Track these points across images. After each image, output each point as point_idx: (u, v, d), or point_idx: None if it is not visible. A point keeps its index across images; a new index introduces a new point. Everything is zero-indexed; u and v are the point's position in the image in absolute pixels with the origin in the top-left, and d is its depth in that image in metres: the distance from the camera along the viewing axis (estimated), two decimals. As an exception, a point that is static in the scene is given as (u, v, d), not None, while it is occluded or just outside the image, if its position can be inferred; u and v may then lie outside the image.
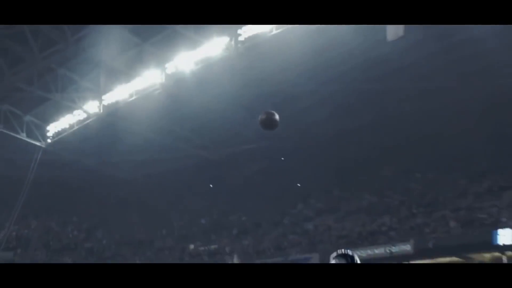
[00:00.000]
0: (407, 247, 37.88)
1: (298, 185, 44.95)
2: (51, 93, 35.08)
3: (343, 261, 6.33)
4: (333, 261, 6.40)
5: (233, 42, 29.41)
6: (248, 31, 28.72)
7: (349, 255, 6.46)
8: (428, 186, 42.30)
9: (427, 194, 42.41)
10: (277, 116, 7.20)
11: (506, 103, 37.04)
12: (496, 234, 36.78)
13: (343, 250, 6.65)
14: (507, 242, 36.49)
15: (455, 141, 40.79)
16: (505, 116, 38.05)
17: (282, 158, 43.90)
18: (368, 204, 44.65)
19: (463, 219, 39.33)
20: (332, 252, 6.78)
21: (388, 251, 38.32)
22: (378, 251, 38.76)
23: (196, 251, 50.01)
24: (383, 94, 37.83)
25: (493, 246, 37.00)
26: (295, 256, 40.81)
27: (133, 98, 33.90)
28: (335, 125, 40.81)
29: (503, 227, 37.01)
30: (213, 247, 49.34)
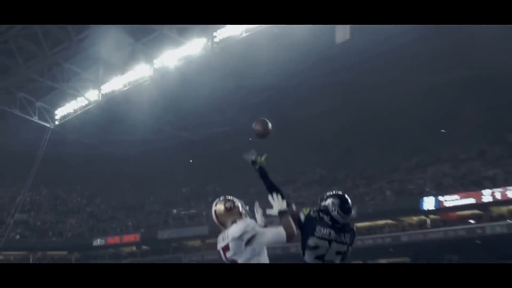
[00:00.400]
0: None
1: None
2: (59, 83, 35.17)
3: (337, 200, 5.63)
4: (329, 200, 5.72)
5: (209, 43, 29.58)
6: (222, 33, 28.89)
7: (342, 195, 5.84)
8: (369, 162, 42.96)
9: (368, 169, 43.05)
10: (270, 125, 5.98)
11: (431, 97, 37.92)
12: (422, 201, 37.54)
13: (335, 191, 6.05)
14: (430, 208, 37.31)
15: (391, 125, 41.53)
16: (430, 107, 38.85)
17: (250, 139, 44.10)
18: (320, 177, 45.25)
19: (396, 189, 40.03)
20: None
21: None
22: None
23: (178, 215, 50.20)
24: (333, 87, 38.40)
25: (419, 211, 37.76)
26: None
27: (127, 88, 33.95)
28: (296, 112, 41.27)
29: (427, 195, 37.75)
30: (192, 211, 49.53)
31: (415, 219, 39.16)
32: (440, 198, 36.99)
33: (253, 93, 37.72)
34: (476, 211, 36.79)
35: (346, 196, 5.84)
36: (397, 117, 39.93)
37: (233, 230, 4.86)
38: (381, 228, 39.48)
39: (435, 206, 37.13)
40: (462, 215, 37.30)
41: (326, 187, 40.05)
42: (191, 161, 52.00)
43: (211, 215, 5.14)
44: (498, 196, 35.26)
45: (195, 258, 45.72)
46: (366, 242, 36.89)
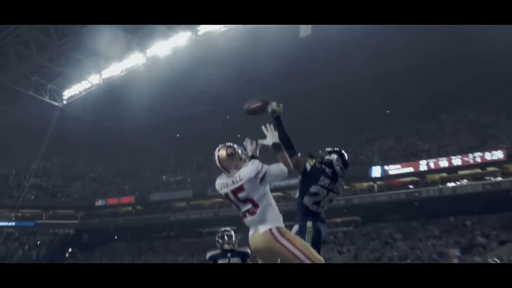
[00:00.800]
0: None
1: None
2: (66, 68, 34.90)
3: (335, 156, 5.56)
4: (333, 155, 5.59)
5: (194, 36, 29.15)
6: (204, 28, 28.49)
7: (343, 152, 5.73)
8: (327, 138, 42.98)
9: (326, 143, 43.05)
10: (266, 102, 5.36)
11: (380, 83, 38.08)
12: (371, 170, 37.82)
13: (336, 148, 5.81)
14: (377, 175, 37.64)
15: (347, 107, 41.69)
16: (379, 92, 39.00)
17: (228, 117, 44.01)
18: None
19: (350, 160, 40.03)
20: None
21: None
22: (293, 182, 39.33)
23: (167, 180, 50.10)
24: (298, 74, 38.58)
25: (368, 178, 38.09)
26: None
27: (124, 73, 33.45)
28: (266, 96, 40.95)
29: (375, 165, 38.04)
30: (179, 178, 49.47)
31: (365, 184, 39.45)
32: (386, 167, 37.34)
33: (230, 78, 37.66)
34: (414, 178, 37.23)
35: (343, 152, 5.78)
36: (351, 100, 40.02)
37: (248, 171, 4.60)
38: (336, 192, 39.78)
39: (381, 174, 37.49)
40: (403, 181, 37.69)
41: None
42: (177, 135, 51.67)
43: (214, 161, 4.81)
44: (432, 165, 35.74)
45: (181, 217, 45.94)
46: (324, 203, 37.15)
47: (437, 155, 36.25)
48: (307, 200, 5.48)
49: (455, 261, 28.45)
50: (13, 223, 47.66)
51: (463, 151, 34.89)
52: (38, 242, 47.74)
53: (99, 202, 50.14)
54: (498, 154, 33.01)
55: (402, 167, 36.67)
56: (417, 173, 36.41)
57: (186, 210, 46.66)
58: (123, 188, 51.68)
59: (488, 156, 33.50)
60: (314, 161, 5.52)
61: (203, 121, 45.57)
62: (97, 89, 36.03)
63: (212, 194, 40.59)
